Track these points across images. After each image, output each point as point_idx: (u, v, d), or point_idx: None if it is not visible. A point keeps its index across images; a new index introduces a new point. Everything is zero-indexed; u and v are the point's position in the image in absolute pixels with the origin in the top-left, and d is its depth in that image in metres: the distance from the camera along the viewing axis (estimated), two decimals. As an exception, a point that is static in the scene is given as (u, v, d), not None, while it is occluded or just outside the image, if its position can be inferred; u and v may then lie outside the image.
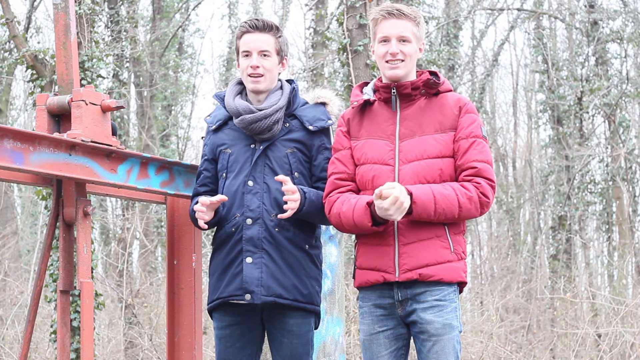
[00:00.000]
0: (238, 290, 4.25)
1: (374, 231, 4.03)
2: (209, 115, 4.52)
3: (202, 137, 4.58)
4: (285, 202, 4.17)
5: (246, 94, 4.43)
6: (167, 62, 21.80)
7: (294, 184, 4.29)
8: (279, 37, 4.38)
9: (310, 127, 4.35)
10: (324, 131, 4.39)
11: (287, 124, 4.36)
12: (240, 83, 4.46)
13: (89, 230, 4.36)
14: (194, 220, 4.37)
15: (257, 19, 4.38)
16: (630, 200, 18.95)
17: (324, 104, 4.46)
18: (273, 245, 4.25)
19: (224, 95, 4.45)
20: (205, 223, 4.27)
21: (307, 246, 4.33)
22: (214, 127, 4.44)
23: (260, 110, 4.30)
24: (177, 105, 22.29)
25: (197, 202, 4.28)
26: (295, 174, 4.32)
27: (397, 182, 3.94)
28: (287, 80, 4.48)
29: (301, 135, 4.36)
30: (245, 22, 4.38)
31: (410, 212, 3.94)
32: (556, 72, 20.16)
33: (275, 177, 4.21)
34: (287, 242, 4.27)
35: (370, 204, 3.98)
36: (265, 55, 4.33)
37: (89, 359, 4.22)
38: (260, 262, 4.24)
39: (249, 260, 4.24)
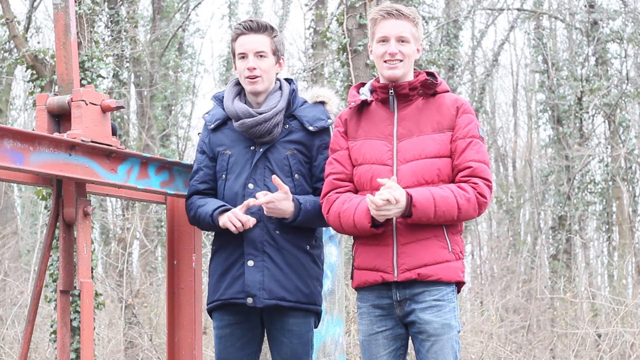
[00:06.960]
0: (239, 294, 4.24)
1: (372, 233, 4.03)
2: (207, 113, 4.49)
3: (199, 134, 4.55)
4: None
5: (245, 95, 4.42)
6: (167, 62, 21.77)
7: (294, 185, 4.30)
8: (274, 36, 4.35)
9: (311, 128, 4.34)
10: (324, 131, 4.37)
11: (287, 126, 4.35)
12: (239, 84, 4.43)
13: (89, 230, 4.36)
14: (197, 223, 4.38)
15: (251, 20, 4.35)
16: (630, 200, 18.94)
17: (322, 103, 4.45)
18: (274, 248, 4.25)
19: (222, 97, 4.44)
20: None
21: (308, 247, 4.33)
22: (212, 126, 4.42)
23: (260, 113, 4.28)
24: (177, 105, 22.27)
25: (217, 209, 4.26)
26: (296, 175, 4.31)
27: (396, 185, 3.94)
28: (287, 80, 4.46)
29: (301, 136, 4.35)
30: (240, 24, 4.35)
31: (410, 215, 3.95)
32: (556, 72, 20.15)
33: (273, 177, 4.21)
34: (288, 244, 4.27)
35: None
36: (261, 56, 4.31)
37: (89, 359, 4.22)
38: (262, 265, 4.23)
39: (250, 263, 4.24)
